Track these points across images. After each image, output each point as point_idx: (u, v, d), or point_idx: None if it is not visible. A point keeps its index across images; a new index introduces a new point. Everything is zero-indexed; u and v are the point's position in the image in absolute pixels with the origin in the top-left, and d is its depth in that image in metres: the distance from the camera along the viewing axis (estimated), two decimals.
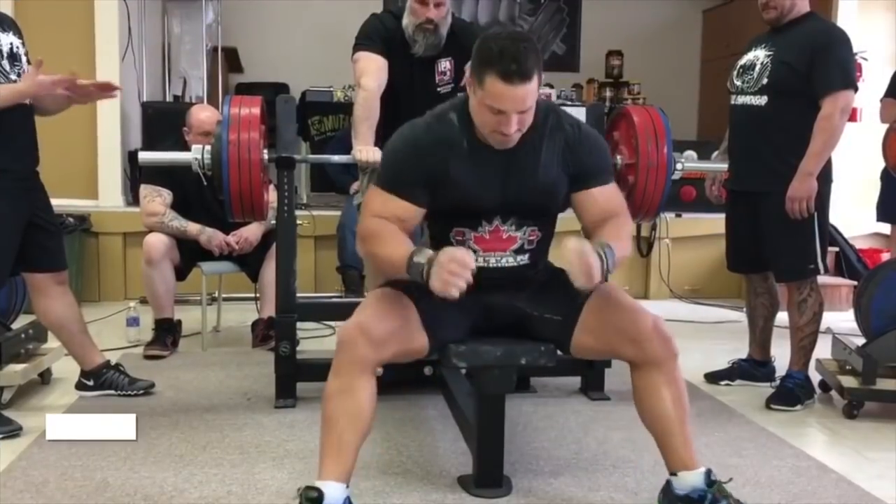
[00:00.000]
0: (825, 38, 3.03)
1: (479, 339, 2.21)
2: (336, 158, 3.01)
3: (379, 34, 3.08)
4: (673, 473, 2.10)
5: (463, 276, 1.89)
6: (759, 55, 3.13)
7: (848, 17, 5.41)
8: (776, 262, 3.19)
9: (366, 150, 2.96)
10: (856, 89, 3.03)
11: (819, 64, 2.96)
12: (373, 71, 3.01)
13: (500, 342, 2.20)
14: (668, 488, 2.13)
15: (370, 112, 2.99)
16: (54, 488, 2.25)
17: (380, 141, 3.30)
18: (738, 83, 3.19)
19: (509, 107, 1.98)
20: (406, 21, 3.08)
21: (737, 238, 3.32)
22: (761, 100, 3.09)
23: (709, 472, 2.07)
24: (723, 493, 2.06)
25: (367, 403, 1.99)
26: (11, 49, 2.70)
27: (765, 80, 3.07)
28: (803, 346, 3.17)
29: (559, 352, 2.22)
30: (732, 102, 3.23)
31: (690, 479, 2.06)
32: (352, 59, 3.13)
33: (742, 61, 3.20)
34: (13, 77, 2.68)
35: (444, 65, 3.15)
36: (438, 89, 3.17)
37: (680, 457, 2.09)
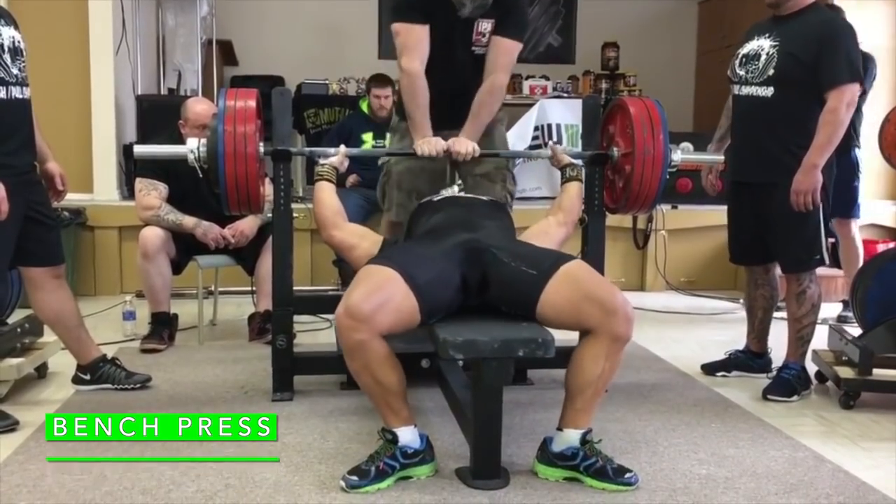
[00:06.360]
0: (831, 31, 2.99)
1: (472, 327, 2.22)
2: (332, 151, 3.01)
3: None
4: (559, 429, 2.27)
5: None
6: (763, 45, 3.07)
7: (845, 9, 5.37)
8: (782, 254, 3.17)
9: (426, 143, 2.84)
10: (861, 82, 3.01)
11: (826, 56, 2.92)
12: (413, 46, 2.86)
13: (498, 333, 2.20)
14: (544, 446, 2.30)
15: (418, 96, 2.85)
16: (51, 482, 2.25)
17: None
18: (742, 73, 3.13)
19: None
20: None
21: (739, 229, 3.30)
22: (767, 91, 3.04)
23: (585, 433, 2.25)
24: (593, 452, 2.25)
25: (388, 367, 2.19)
26: (13, 43, 2.68)
27: (771, 71, 3.02)
28: (801, 336, 3.16)
29: (522, 312, 2.30)
30: (736, 93, 3.18)
31: (567, 437, 2.25)
32: (391, 29, 2.96)
33: (745, 50, 3.14)
34: (14, 71, 2.66)
35: (484, 25, 2.96)
36: (473, 48, 3.00)
37: (574, 417, 2.26)
